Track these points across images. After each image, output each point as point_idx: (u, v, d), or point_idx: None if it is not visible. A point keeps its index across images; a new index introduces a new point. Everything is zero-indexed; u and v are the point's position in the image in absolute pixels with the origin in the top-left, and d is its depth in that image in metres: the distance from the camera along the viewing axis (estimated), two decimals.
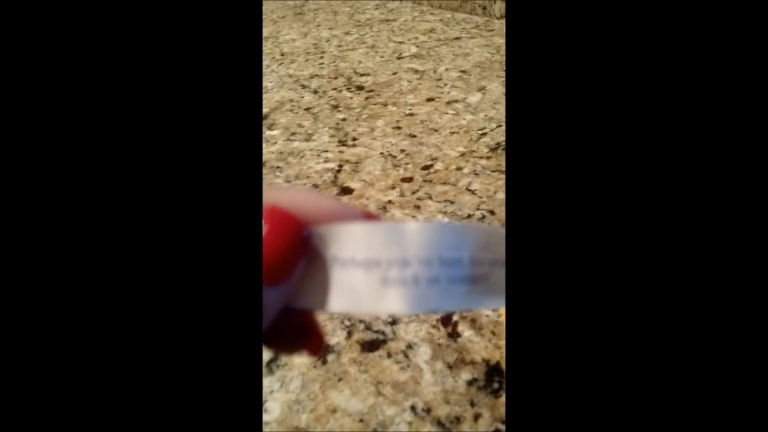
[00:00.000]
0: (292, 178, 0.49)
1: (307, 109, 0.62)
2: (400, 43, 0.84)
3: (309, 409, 0.27)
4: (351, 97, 0.65)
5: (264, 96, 0.67)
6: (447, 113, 0.59)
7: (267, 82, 0.71)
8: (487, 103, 0.60)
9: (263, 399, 0.28)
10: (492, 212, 0.41)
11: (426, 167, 0.48)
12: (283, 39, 0.90)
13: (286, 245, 0.11)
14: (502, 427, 0.26)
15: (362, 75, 0.71)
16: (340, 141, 0.55)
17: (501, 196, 0.43)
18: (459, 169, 0.48)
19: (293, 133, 0.57)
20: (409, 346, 0.30)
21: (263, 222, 0.11)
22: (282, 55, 0.82)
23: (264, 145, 0.55)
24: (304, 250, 0.12)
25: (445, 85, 0.66)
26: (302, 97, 0.66)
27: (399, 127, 0.56)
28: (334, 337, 0.31)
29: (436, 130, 0.55)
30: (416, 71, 0.71)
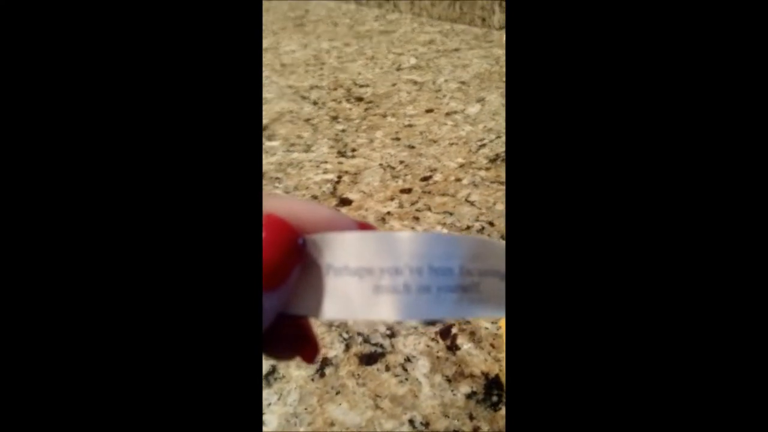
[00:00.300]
0: (291, 189, 0.49)
1: (306, 120, 0.63)
2: (400, 54, 0.84)
3: (307, 422, 0.27)
4: (350, 109, 0.65)
5: (264, 107, 0.67)
6: (446, 124, 0.59)
7: (267, 93, 0.71)
8: (486, 114, 0.61)
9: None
10: (491, 223, 0.41)
11: (425, 178, 0.49)
12: (283, 50, 0.91)
13: (282, 252, 0.12)
14: None
15: (362, 86, 0.72)
16: (339, 152, 0.55)
17: (500, 207, 0.43)
18: (458, 180, 0.48)
19: (292, 144, 0.57)
20: (408, 359, 0.30)
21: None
22: (282, 66, 0.83)
23: (263, 155, 0.55)
24: (299, 258, 0.12)
25: (444, 96, 0.67)
26: (302, 108, 0.66)
27: (398, 138, 0.57)
28: (332, 349, 0.31)
29: (435, 141, 0.55)
30: (415, 82, 0.72)
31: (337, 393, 0.28)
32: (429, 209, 0.44)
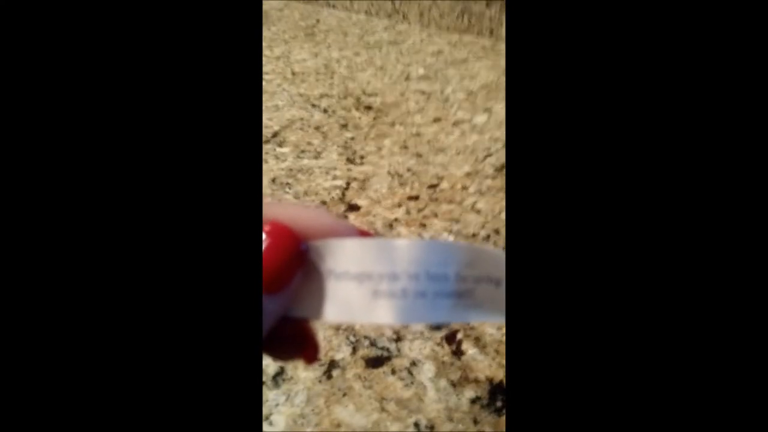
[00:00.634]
0: (300, 195, 0.50)
1: (316, 128, 0.64)
2: (408, 64, 0.85)
3: (314, 423, 0.27)
4: (359, 117, 0.66)
5: (275, 114, 0.68)
6: (453, 133, 0.60)
7: (278, 101, 0.72)
8: (492, 124, 0.61)
9: (269, 412, 0.28)
10: (497, 231, 0.42)
11: (432, 186, 0.49)
12: (294, 59, 0.93)
13: (285, 258, 0.12)
14: None
15: (371, 95, 0.73)
16: (348, 159, 0.56)
17: (505, 215, 0.44)
18: (464, 188, 0.49)
19: (302, 151, 0.58)
20: (414, 363, 0.30)
21: (264, 236, 0.12)
22: (293, 74, 0.84)
23: (274, 162, 0.56)
24: (302, 263, 0.13)
25: (452, 105, 0.67)
26: (312, 116, 0.67)
27: (406, 147, 0.57)
28: (339, 352, 0.31)
29: (442, 150, 0.56)
30: (423, 92, 0.73)
31: (344, 395, 0.29)
32: (435, 216, 0.44)
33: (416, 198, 0.47)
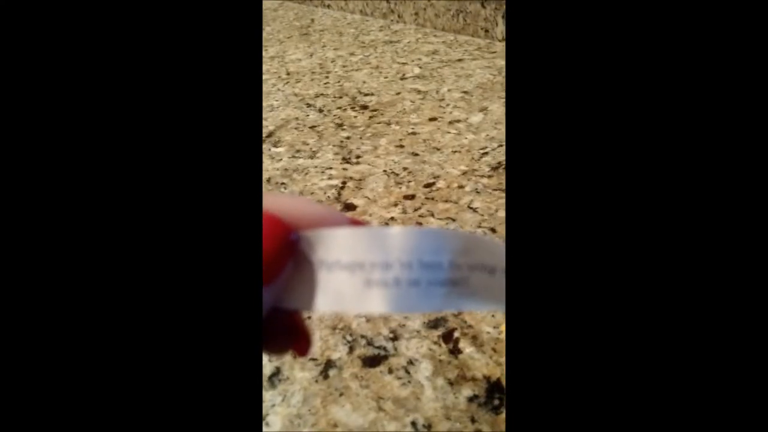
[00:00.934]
0: (296, 194, 0.49)
1: (311, 127, 0.64)
2: (404, 64, 0.85)
3: (310, 423, 0.27)
4: (355, 116, 0.66)
5: (270, 114, 0.68)
6: (449, 132, 0.60)
7: (273, 101, 0.72)
8: (488, 124, 0.61)
9: (265, 413, 0.28)
10: (493, 230, 0.42)
11: (428, 185, 0.49)
12: (289, 59, 0.92)
13: (275, 248, 0.12)
14: None
15: (366, 95, 0.73)
16: (344, 158, 0.55)
17: (502, 214, 0.44)
18: (461, 187, 0.48)
19: (298, 151, 0.58)
20: (411, 362, 0.30)
21: None
22: (288, 74, 0.84)
23: (269, 161, 0.56)
24: (292, 253, 0.12)
25: (448, 105, 0.67)
26: (307, 115, 0.67)
27: (402, 146, 0.57)
28: (336, 352, 0.31)
29: (438, 149, 0.56)
30: (419, 91, 0.73)
31: (341, 395, 0.28)
32: (432, 215, 0.44)
33: (412, 197, 0.47)
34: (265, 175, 0.53)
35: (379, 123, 0.63)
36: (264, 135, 0.62)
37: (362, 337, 0.32)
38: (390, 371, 0.30)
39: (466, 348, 0.31)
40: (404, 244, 0.12)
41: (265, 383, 0.29)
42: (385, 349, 0.31)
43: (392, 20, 1.13)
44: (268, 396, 0.28)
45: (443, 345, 0.31)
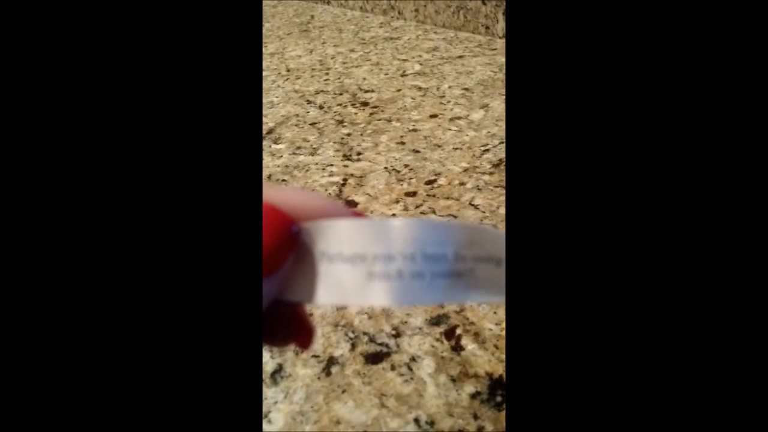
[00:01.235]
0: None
1: (312, 124, 0.63)
2: (404, 60, 0.85)
3: (313, 420, 0.27)
4: (356, 113, 0.66)
5: (270, 111, 0.68)
6: (450, 129, 0.60)
7: (273, 97, 0.72)
8: (489, 120, 0.61)
9: (267, 410, 0.28)
10: (495, 227, 0.42)
11: (429, 182, 0.49)
12: (289, 55, 0.92)
13: (277, 240, 0.12)
14: None
15: (367, 91, 0.73)
16: (344, 155, 0.55)
17: (503, 211, 0.44)
18: (462, 184, 0.48)
19: (298, 147, 0.58)
20: (413, 359, 0.30)
21: None
22: (288, 71, 0.84)
23: (270, 158, 0.56)
24: (294, 245, 0.12)
25: (449, 102, 0.67)
26: (308, 112, 0.67)
27: (403, 143, 0.57)
28: (338, 349, 0.31)
29: (439, 146, 0.56)
30: (420, 88, 0.73)
31: (343, 391, 0.28)
32: (433, 212, 0.44)
33: (414, 194, 0.47)
34: (265, 172, 0.53)
35: (379, 120, 0.63)
36: (264, 132, 0.61)
37: (364, 333, 0.32)
38: (392, 368, 0.30)
39: (469, 345, 0.31)
40: (407, 236, 0.12)
41: (267, 380, 0.29)
42: (387, 345, 0.31)
43: (392, 17, 1.13)
44: (271, 393, 0.28)
45: (445, 342, 0.31)
